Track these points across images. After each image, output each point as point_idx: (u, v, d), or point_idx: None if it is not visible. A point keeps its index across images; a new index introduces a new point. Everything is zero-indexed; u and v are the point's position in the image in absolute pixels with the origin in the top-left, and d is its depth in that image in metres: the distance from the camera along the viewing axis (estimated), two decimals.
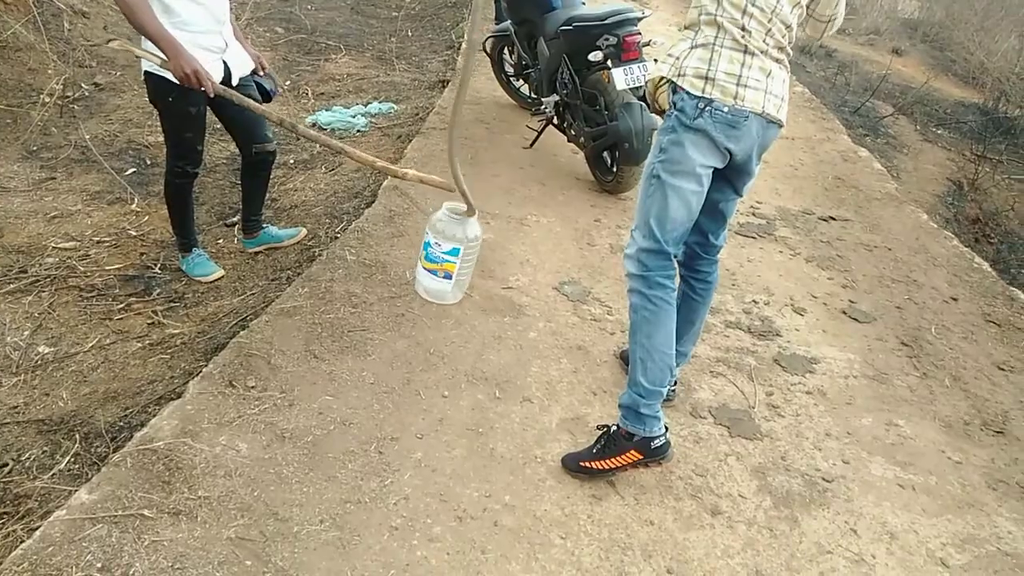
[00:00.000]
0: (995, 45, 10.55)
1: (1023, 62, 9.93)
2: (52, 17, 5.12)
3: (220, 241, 3.35)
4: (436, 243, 2.59)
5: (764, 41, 1.77)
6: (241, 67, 2.74)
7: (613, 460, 1.97)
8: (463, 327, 2.60)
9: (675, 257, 2.00)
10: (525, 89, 4.83)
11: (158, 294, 2.95)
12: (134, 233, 3.36)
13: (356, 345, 2.38)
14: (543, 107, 4.20)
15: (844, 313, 3.13)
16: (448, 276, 2.64)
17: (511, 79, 4.98)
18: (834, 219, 4.00)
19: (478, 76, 5.53)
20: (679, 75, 1.82)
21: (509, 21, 4.59)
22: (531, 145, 4.37)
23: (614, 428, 2.01)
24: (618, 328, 2.76)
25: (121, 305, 2.86)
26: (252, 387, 2.11)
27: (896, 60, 9.95)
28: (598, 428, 2.07)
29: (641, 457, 1.97)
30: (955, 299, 3.37)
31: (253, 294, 2.88)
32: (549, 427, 2.20)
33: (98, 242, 3.28)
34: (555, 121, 4.23)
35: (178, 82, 2.34)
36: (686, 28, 1.88)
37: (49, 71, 4.63)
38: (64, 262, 3.08)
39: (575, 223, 3.56)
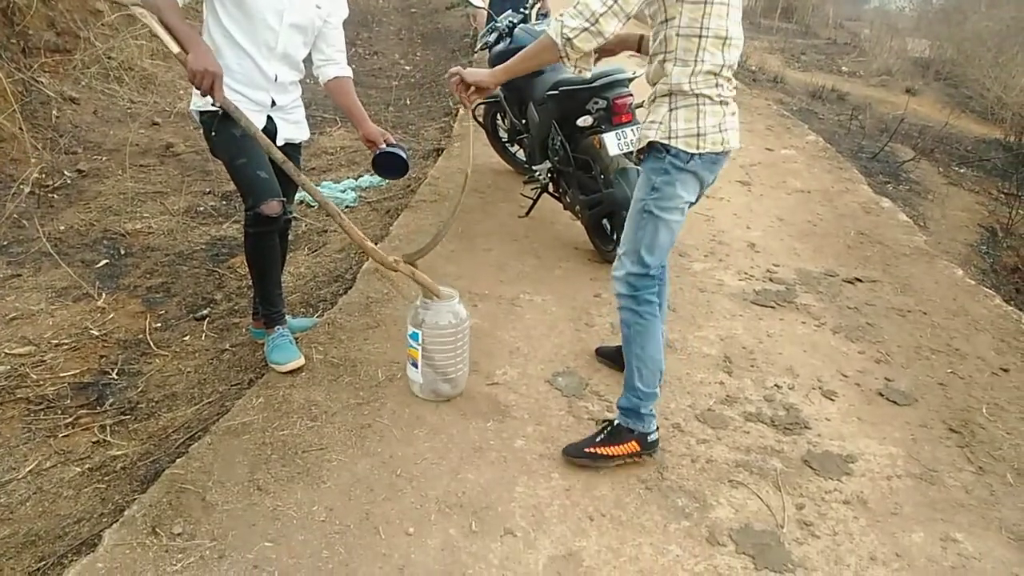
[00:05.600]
0: (1012, 80, 10.23)
1: None
2: (40, 105, 5.04)
3: (186, 338, 3.08)
4: (408, 327, 2.42)
5: (730, 90, 1.99)
6: (291, 132, 2.59)
7: (616, 448, 2.17)
8: (438, 438, 2.27)
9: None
10: (521, 154, 4.60)
11: (110, 404, 2.67)
12: (96, 333, 3.12)
13: (310, 470, 2.06)
14: (536, 174, 3.95)
15: (880, 395, 2.74)
16: (415, 364, 2.41)
17: (506, 145, 4.77)
18: (860, 280, 3.64)
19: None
20: (669, 137, 1.94)
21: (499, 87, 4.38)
22: (526, 214, 4.11)
23: (616, 423, 2.20)
24: None
25: (68, 419, 2.58)
26: (178, 534, 1.79)
27: (911, 100, 9.68)
28: (600, 423, 2.34)
29: (639, 449, 2.19)
30: (1005, 370, 2.98)
31: (210, 402, 2.59)
32: (535, 569, 1.83)
33: (56, 345, 3.04)
34: (550, 189, 3.97)
35: (191, 82, 2.09)
36: (660, 97, 1.98)
37: (32, 160, 4.50)
38: (16, 370, 2.84)
39: (572, 300, 3.25)
